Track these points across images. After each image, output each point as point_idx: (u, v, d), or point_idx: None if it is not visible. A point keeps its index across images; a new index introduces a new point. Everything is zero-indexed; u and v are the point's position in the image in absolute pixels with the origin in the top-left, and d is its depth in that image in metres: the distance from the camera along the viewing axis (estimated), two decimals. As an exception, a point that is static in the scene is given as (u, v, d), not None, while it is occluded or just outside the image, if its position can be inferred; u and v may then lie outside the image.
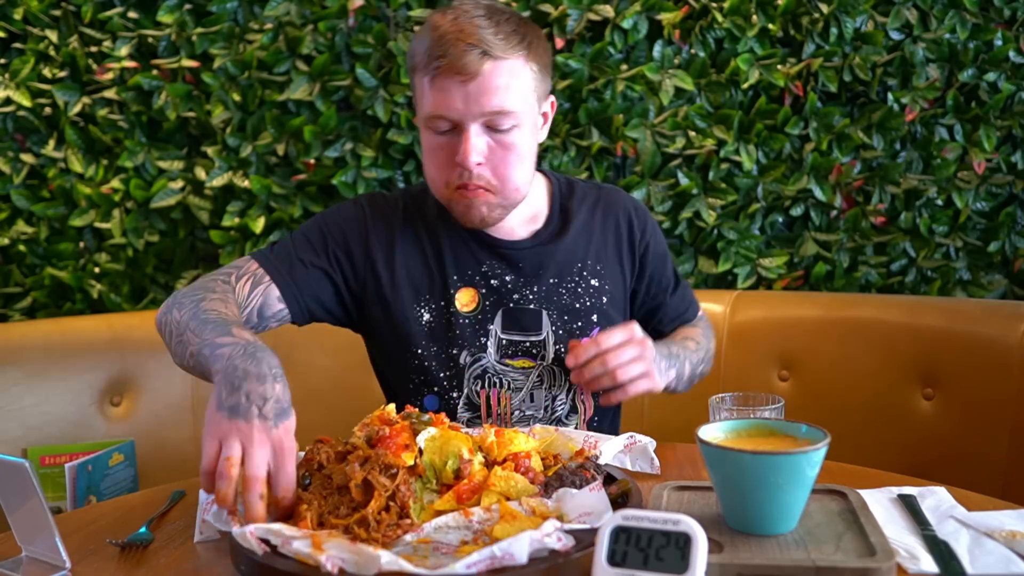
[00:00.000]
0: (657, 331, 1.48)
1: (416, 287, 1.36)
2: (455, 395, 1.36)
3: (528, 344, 1.36)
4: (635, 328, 1.27)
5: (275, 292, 1.31)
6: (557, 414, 1.39)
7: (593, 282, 1.41)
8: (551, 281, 1.38)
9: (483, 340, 1.35)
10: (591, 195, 1.46)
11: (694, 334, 1.49)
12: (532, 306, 1.37)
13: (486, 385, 1.35)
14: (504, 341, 1.36)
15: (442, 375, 1.36)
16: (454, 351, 1.35)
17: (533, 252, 1.39)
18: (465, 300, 1.36)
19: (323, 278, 1.34)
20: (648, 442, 1.13)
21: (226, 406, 0.93)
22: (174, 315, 1.21)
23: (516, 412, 1.36)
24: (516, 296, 1.37)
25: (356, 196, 1.46)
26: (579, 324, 1.39)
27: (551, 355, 1.37)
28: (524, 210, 1.40)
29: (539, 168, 1.46)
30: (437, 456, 0.95)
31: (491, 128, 1.26)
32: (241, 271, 1.31)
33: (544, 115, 1.36)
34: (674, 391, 1.42)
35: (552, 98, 1.37)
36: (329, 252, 1.35)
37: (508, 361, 1.36)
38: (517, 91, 1.25)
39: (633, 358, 1.25)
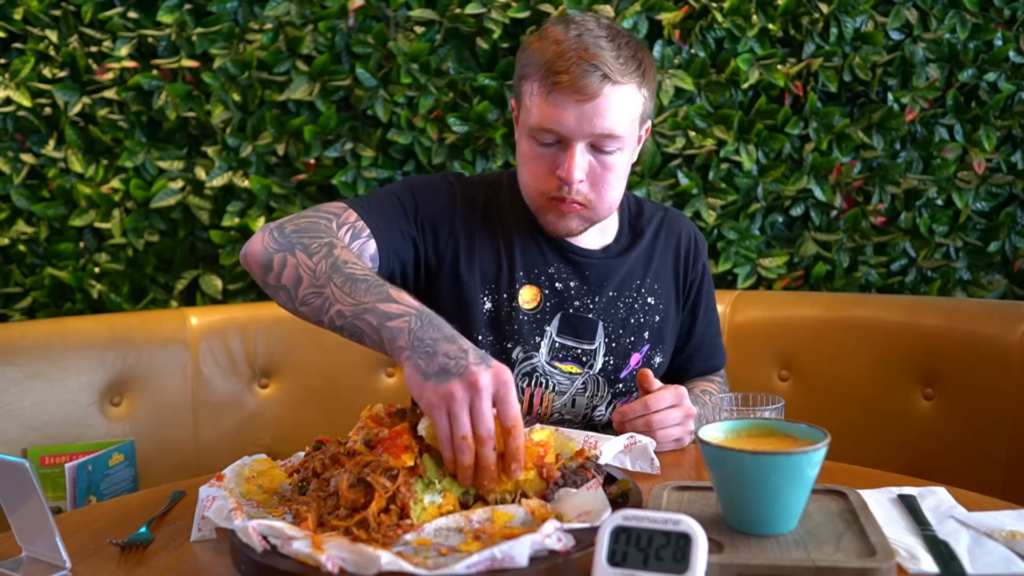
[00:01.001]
0: (681, 368, 1.51)
1: (485, 275, 1.38)
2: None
3: (580, 351, 1.38)
4: (684, 395, 1.25)
5: (371, 247, 1.27)
6: (594, 423, 1.41)
7: (650, 300, 1.44)
8: (611, 294, 1.41)
9: (538, 339, 1.37)
10: (657, 216, 1.50)
11: (711, 389, 1.49)
12: (590, 315, 1.39)
13: (532, 384, 1.36)
14: (557, 344, 1.37)
15: None
16: (508, 344, 1.36)
17: (600, 263, 1.41)
18: (528, 297, 1.38)
19: (409, 244, 1.35)
20: (648, 442, 1.13)
21: (432, 374, 0.92)
22: (301, 257, 1.13)
23: (555, 414, 1.38)
24: (577, 303, 1.39)
25: (444, 173, 1.48)
26: (631, 339, 1.41)
27: (599, 365, 1.39)
28: (598, 225, 1.41)
29: None
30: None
31: (595, 148, 1.28)
32: (340, 219, 1.26)
33: (639, 138, 1.36)
34: None
35: (650, 122, 1.38)
36: (419, 220, 1.36)
37: (557, 364, 1.37)
38: (627, 116, 1.27)
39: (675, 423, 1.23)
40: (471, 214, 1.39)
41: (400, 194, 1.37)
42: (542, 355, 1.37)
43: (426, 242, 1.37)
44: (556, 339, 1.37)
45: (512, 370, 1.34)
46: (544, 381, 1.37)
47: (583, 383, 1.38)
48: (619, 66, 1.24)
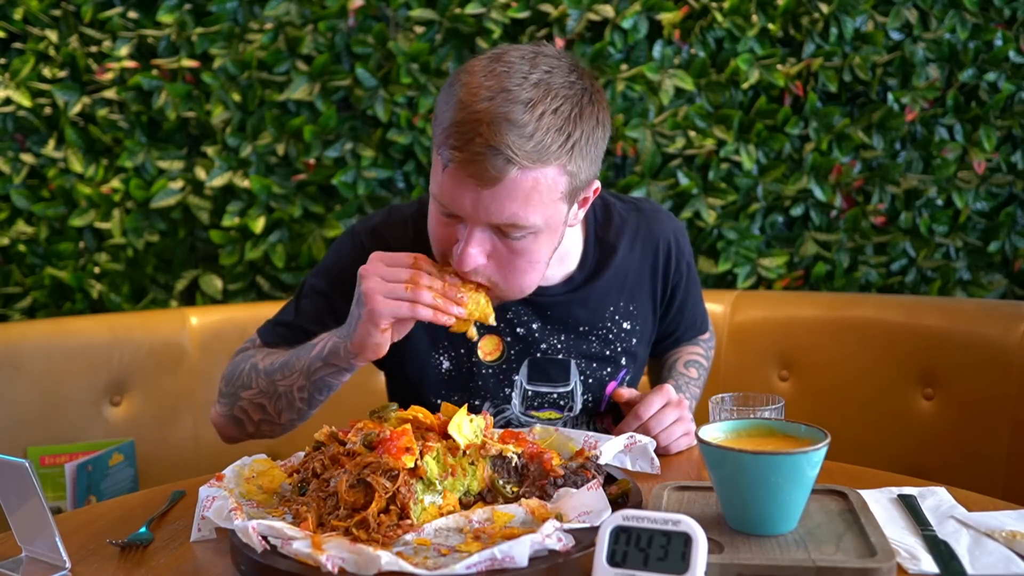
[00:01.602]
0: (663, 346, 1.46)
1: (433, 333, 1.24)
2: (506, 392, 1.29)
3: (555, 395, 1.28)
4: (670, 391, 1.21)
5: None
6: (605, 422, 1.38)
7: (625, 325, 1.31)
8: (581, 330, 1.28)
9: (508, 391, 1.27)
10: (630, 223, 1.32)
11: (697, 359, 1.44)
12: (560, 356, 1.27)
13: None
14: (530, 392, 1.27)
15: None
16: (476, 402, 1.27)
17: (564, 300, 1.27)
18: (489, 348, 1.26)
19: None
20: (648, 442, 1.12)
21: (354, 314, 1.09)
22: (246, 396, 1.24)
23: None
24: (543, 345, 1.27)
25: (353, 228, 1.32)
26: (608, 371, 1.32)
27: (579, 406, 1.30)
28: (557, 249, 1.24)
29: None
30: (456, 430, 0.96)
31: (501, 233, 1.09)
32: (255, 346, 1.33)
33: (584, 200, 1.17)
34: None
35: (597, 184, 1.17)
36: (335, 309, 1.24)
37: (534, 413, 1.29)
38: (541, 202, 1.06)
39: (674, 421, 1.20)
40: None
41: (312, 291, 1.31)
42: (515, 406, 1.28)
43: None
44: (528, 387, 1.27)
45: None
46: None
47: (564, 425, 1.29)
48: (532, 148, 1.01)
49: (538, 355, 1.27)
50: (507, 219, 1.06)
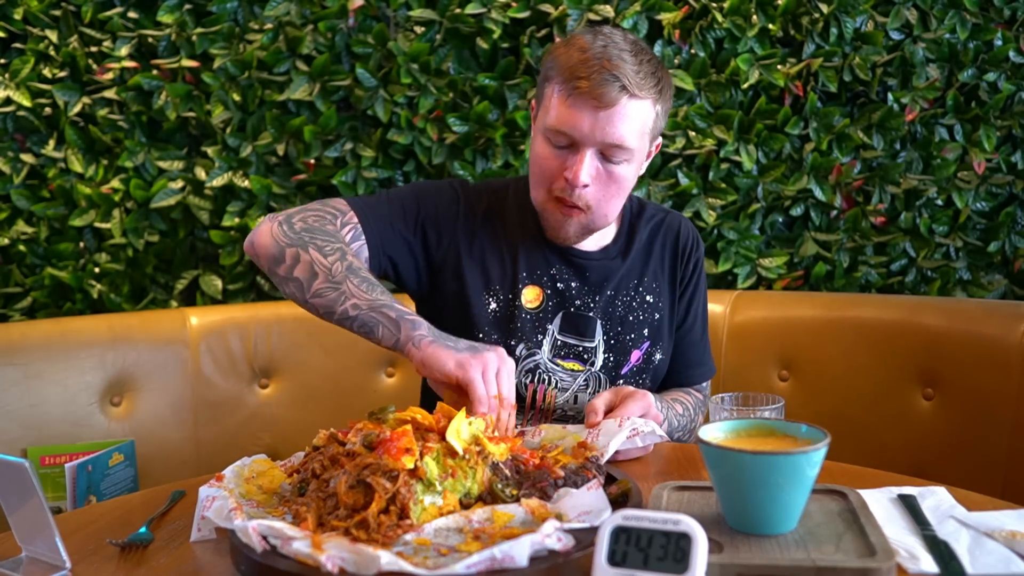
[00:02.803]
0: (664, 373, 1.50)
1: (488, 276, 1.42)
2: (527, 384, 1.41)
3: (581, 348, 1.42)
4: (651, 400, 1.26)
5: (365, 251, 1.35)
6: None
7: (648, 298, 1.47)
8: (609, 293, 1.44)
9: (540, 337, 1.41)
10: (657, 217, 1.52)
11: (686, 401, 1.49)
12: (591, 314, 1.43)
13: (535, 380, 1.40)
14: (559, 342, 1.41)
15: None
16: (512, 342, 1.39)
17: (600, 264, 1.45)
18: (531, 296, 1.42)
19: (407, 249, 1.40)
20: (654, 426, 1.16)
21: (463, 349, 1.13)
22: (314, 255, 1.25)
23: (558, 410, 1.40)
24: (578, 302, 1.43)
25: (450, 179, 1.53)
26: (631, 336, 1.44)
27: (600, 362, 1.42)
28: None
29: None
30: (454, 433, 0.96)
31: (604, 156, 1.31)
32: (344, 219, 1.35)
33: (649, 153, 1.40)
34: None
35: (660, 139, 1.42)
36: (418, 225, 1.41)
37: (560, 361, 1.41)
38: (639, 129, 1.31)
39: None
40: (473, 220, 1.44)
41: (404, 198, 1.42)
42: (544, 352, 1.40)
43: (427, 247, 1.42)
44: (558, 337, 1.41)
45: (516, 366, 1.35)
46: (547, 378, 1.40)
47: (585, 380, 1.41)
48: (638, 80, 1.28)
49: (571, 310, 1.43)
50: (617, 139, 1.29)
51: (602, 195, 1.34)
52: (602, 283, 1.44)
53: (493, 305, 1.41)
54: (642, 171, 1.41)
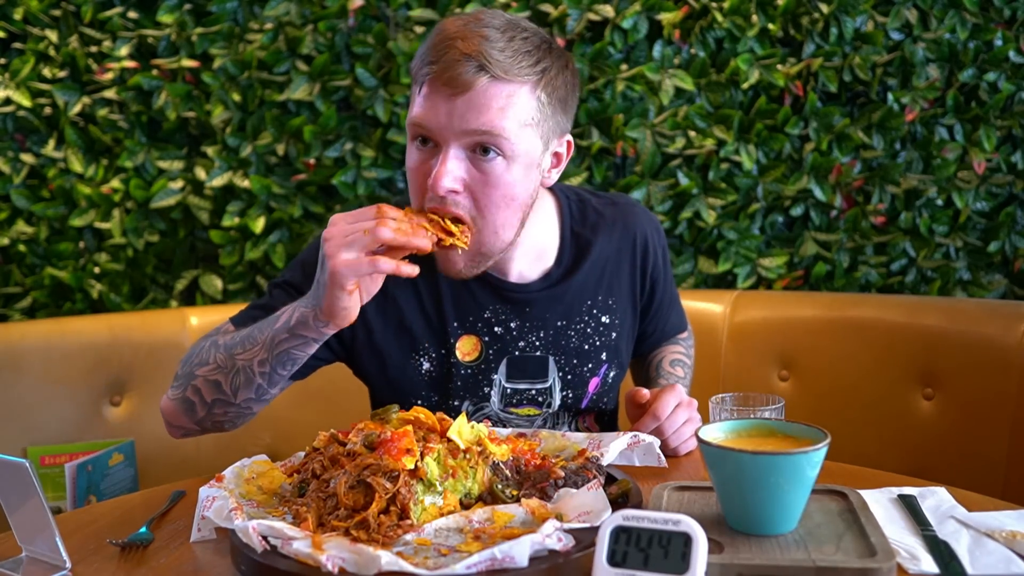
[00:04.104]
0: (644, 345, 1.45)
1: (413, 336, 1.26)
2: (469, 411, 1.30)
3: (534, 392, 1.29)
4: (681, 391, 1.20)
5: None
6: (589, 428, 1.38)
7: (604, 319, 1.32)
8: (559, 324, 1.29)
9: (486, 389, 1.28)
10: (606, 217, 1.33)
11: (680, 355, 1.44)
12: (538, 352, 1.28)
13: None
14: (508, 390, 1.28)
15: None
16: (455, 402, 1.28)
17: (540, 295, 1.28)
18: (467, 349, 1.27)
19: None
20: (652, 440, 1.13)
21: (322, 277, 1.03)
22: (201, 372, 1.17)
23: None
24: (521, 343, 1.28)
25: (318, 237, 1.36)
26: (589, 366, 1.31)
27: (557, 402, 1.30)
28: (532, 247, 1.27)
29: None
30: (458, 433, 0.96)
31: (475, 155, 1.12)
32: (219, 332, 1.25)
33: (556, 155, 1.21)
34: None
35: (568, 137, 1.22)
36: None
37: (513, 409, 1.29)
38: (513, 119, 1.10)
39: (685, 421, 1.20)
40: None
41: (288, 283, 1.27)
42: (494, 403, 1.29)
43: (351, 334, 1.26)
44: (506, 385, 1.28)
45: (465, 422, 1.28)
46: (502, 427, 1.24)
47: (543, 421, 1.30)
48: (504, 59, 1.08)
49: (516, 353, 1.28)
50: (482, 126, 1.09)
51: (481, 203, 1.12)
52: (545, 315, 1.27)
53: (426, 365, 1.26)
54: (550, 180, 1.21)
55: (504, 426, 1.25)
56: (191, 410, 1.19)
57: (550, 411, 1.31)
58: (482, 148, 1.11)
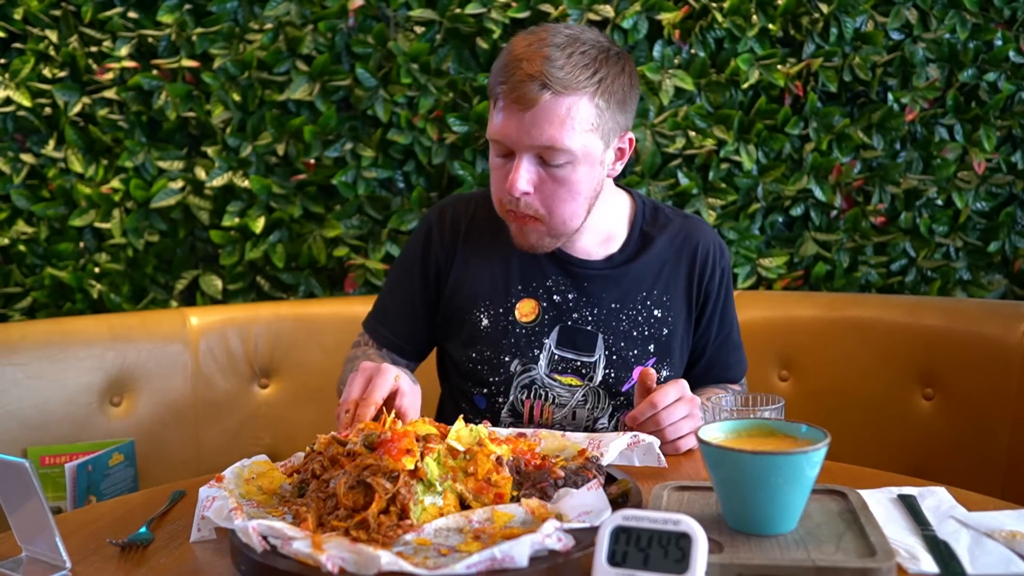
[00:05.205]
0: (695, 379, 1.45)
1: (477, 292, 1.40)
2: (501, 400, 1.38)
3: (579, 363, 1.37)
4: (685, 386, 1.23)
5: (388, 355, 1.44)
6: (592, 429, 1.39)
7: (656, 312, 1.40)
8: (613, 305, 1.38)
9: (536, 352, 1.37)
10: (675, 223, 1.44)
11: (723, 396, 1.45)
12: (589, 327, 1.37)
13: (531, 396, 1.36)
14: (556, 356, 1.37)
15: (492, 379, 1.38)
16: (506, 358, 1.37)
17: (601, 274, 1.39)
18: (525, 311, 1.38)
19: (418, 320, 1.45)
20: (652, 440, 1.13)
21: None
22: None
23: (556, 426, 1.37)
24: (575, 315, 1.37)
25: (430, 208, 1.53)
26: (635, 352, 1.38)
27: (599, 378, 1.37)
28: (600, 231, 1.40)
29: (624, 187, 1.47)
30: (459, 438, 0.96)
31: (544, 160, 1.26)
32: (361, 345, 1.48)
33: (619, 151, 1.34)
34: None
35: (630, 134, 1.34)
36: (414, 293, 1.45)
37: (557, 376, 1.37)
38: (575, 127, 1.23)
39: (684, 416, 1.21)
40: (451, 239, 1.43)
41: (396, 272, 1.48)
42: (541, 367, 1.37)
43: (427, 295, 1.45)
44: (555, 351, 1.37)
45: (511, 382, 1.37)
46: (543, 393, 1.36)
47: (583, 395, 1.37)
48: (563, 75, 1.21)
49: (569, 323, 1.38)
50: (546, 141, 1.23)
51: (549, 202, 1.28)
52: (602, 294, 1.38)
53: (485, 321, 1.38)
54: (616, 171, 1.35)
55: (547, 393, 1.36)
56: None
57: (591, 385, 1.38)
58: (549, 156, 1.25)
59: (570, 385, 1.37)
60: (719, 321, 1.47)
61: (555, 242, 1.34)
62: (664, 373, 1.40)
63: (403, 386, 1.16)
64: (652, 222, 1.43)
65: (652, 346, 1.39)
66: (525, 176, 1.25)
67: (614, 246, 1.41)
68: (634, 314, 1.39)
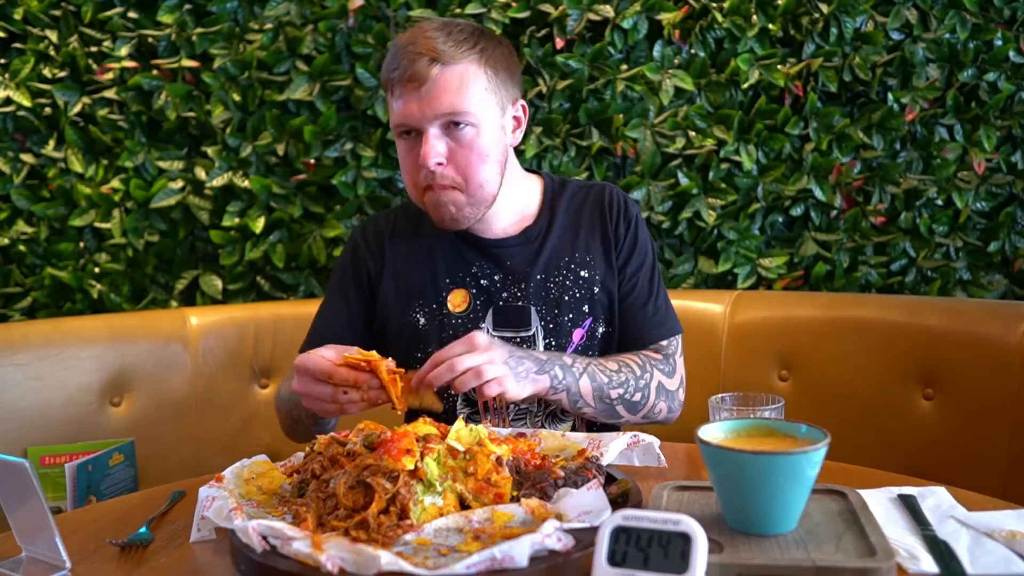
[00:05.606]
0: (615, 344, 1.44)
1: (410, 293, 1.44)
2: (452, 392, 1.29)
3: (519, 340, 1.39)
4: (477, 338, 1.17)
5: None
6: (552, 407, 1.40)
7: (583, 273, 1.43)
8: (538, 277, 1.42)
9: None
10: (582, 191, 1.50)
11: (629, 358, 1.38)
12: (521, 303, 1.41)
13: None
14: (495, 337, 1.35)
15: None
16: None
17: (520, 250, 1.43)
18: (457, 301, 1.42)
19: (356, 337, 1.45)
20: (652, 440, 1.13)
21: None
22: (282, 413, 1.43)
23: (511, 406, 1.38)
24: (505, 295, 1.41)
25: (353, 229, 1.56)
26: (570, 316, 1.41)
27: (541, 349, 1.39)
28: (514, 210, 1.45)
29: (535, 171, 1.54)
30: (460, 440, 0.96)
31: (449, 130, 1.32)
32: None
33: (516, 119, 1.42)
34: (579, 408, 1.31)
35: (522, 102, 1.43)
36: (350, 308, 1.47)
37: None
38: (470, 94, 1.32)
39: (473, 364, 1.14)
40: (379, 249, 1.47)
41: (325, 303, 1.50)
42: None
43: (363, 305, 1.48)
44: (494, 334, 1.39)
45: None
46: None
47: None
48: (447, 48, 1.31)
49: (500, 304, 1.41)
50: (447, 107, 1.30)
51: (466, 167, 1.34)
52: (527, 269, 1.42)
53: (422, 320, 1.42)
54: (515, 140, 1.42)
55: None
56: (293, 432, 1.44)
57: None
58: (454, 123, 1.32)
59: None
60: (631, 273, 1.44)
61: (475, 212, 1.38)
62: (601, 330, 1.42)
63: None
64: (560, 193, 1.49)
65: (586, 307, 1.42)
66: (435, 147, 1.31)
67: (527, 220, 1.46)
68: (561, 279, 1.42)
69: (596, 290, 1.43)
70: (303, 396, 1.17)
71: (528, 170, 1.53)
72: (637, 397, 1.35)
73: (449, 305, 1.42)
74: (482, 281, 1.42)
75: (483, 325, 1.40)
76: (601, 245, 1.46)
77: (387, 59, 1.36)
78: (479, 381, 1.14)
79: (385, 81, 1.37)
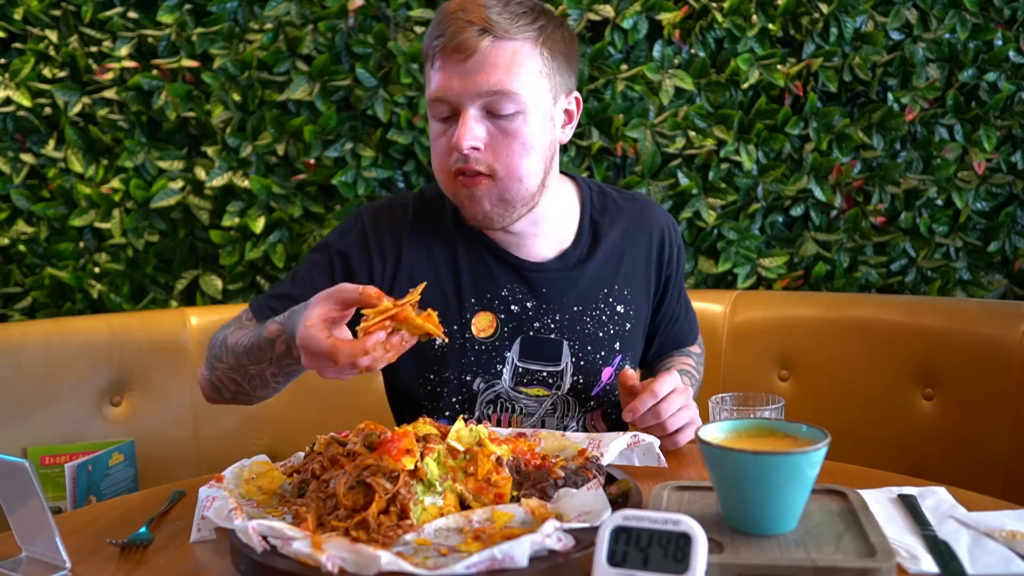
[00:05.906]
0: (654, 348, 1.45)
1: (430, 307, 1.27)
2: (466, 417, 1.28)
3: (545, 374, 1.30)
4: (678, 378, 1.19)
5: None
6: (567, 422, 1.37)
7: (619, 308, 1.33)
8: (575, 309, 1.30)
9: (499, 367, 1.29)
10: (626, 209, 1.36)
11: (688, 367, 1.42)
12: (553, 335, 1.29)
13: (498, 409, 1.30)
14: (520, 369, 1.29)
15: (454, 399, 1.30)
16: (467, 377, 1.28)
17: (557, 275, 1.30)
18: (482, 325, 1.28)
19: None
20: (652, 440, 1.13)
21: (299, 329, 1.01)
22: (218, 367, 1.24)
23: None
24: (536, 324, 1.29)
25: (359, 209, 1.34)
26: (601, 354, 1.32)
27: (567, 385, 1.31)
28: (551, 228, 1.31)
29: (568, 173, 1.39)
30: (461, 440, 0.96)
31: (492, 113, 1.17)
32: (240, 321, 1.29)
33: (567, 112, 1.27)
34: None
35: (576, 95, 1.27)
36: (334, 281, 1.23)
37: (523, 389, 1.30)
38: (521, 74, 1.16)
39: (681, 407, 1.17)
40: (392, 246, 1.29)
41: (313, 263, 1.30)
42: (505, 381, 1.29)
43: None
44: (519, 364, 1.29)
45: (475, 400, 1.30)
46: (510, 406, 1.29)
47: (552, 404, 1.31)
48: (502, 20, 1.15)
49: (531, 334, 1.29)
50: (493, 85, 1.15)
51: (501, 155, 1.17)
52: (562, 299, 1.29)
53: (439, 341, 1.24)
54: (565, 136, 1.26)
55: (513, 406, 1.29)
56: (218, 392, 1.27)
57: (559, 393, 1.31)
58: (497, 107, 1.17)
59: (537, 396, 1.30)
60: (681, 301, 1.45)
61: (511, 212, 1.22)
62: (627, 366, 1.34)
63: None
64: (602, 210, 1.35)
65: (618, 344, 1.33)
66: (473, 129, 1.16)
67: (566, 242, 1.32)
68: (597, 314, 1.31)
69: (628, 327, 1.33)
70: (319, 371, 1.02)
71: (561, 172, 1.36)
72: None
73: (473, 329, 1.28)
74: (513, 307, 1.28)
75: (508, 354, 1.28)
76: (644, 282, 1.36)
77: (431, 26, 1.19)
78: (690, 417, 1.18)
79: (426, 49, 1.20)
